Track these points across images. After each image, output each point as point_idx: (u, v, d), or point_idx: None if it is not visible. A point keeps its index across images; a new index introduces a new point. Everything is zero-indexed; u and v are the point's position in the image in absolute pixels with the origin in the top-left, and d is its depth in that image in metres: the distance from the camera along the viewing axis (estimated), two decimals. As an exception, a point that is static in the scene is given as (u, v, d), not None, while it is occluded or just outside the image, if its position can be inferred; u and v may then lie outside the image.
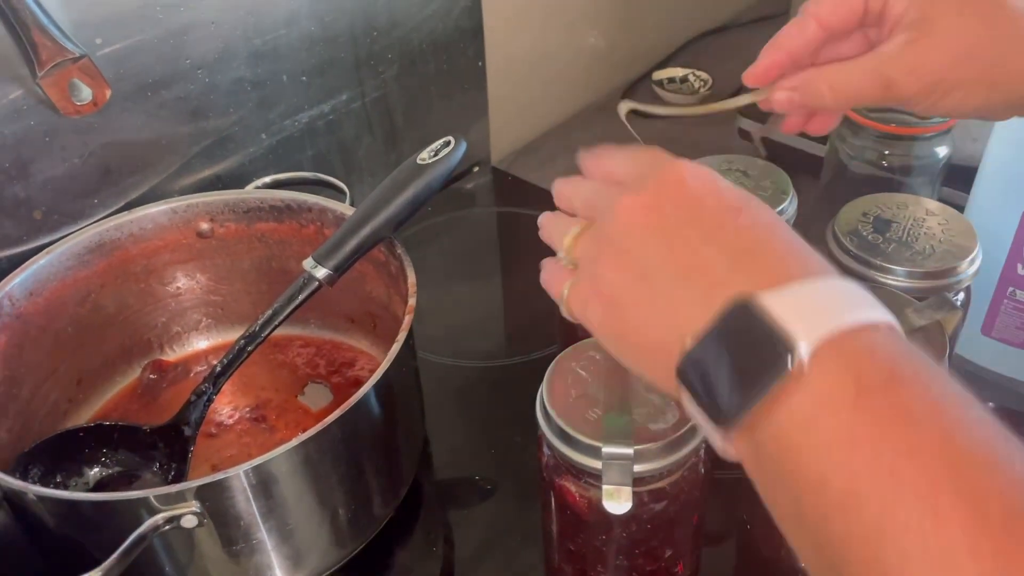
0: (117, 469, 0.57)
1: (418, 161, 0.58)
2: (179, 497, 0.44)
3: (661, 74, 1.06)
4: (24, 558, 0.53)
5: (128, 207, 0.63)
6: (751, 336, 0.28)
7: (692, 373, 0.29)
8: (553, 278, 0.37)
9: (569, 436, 0.40)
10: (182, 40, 0.62)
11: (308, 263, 0.56)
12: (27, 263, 0.58)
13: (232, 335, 0.69)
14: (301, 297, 0.56)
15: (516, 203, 0.89)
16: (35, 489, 0.45)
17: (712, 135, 0.90)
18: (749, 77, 0.47)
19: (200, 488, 0.44)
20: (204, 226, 0.65)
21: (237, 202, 0.64)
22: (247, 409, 0.65)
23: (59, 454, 0.56)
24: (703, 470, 0.43)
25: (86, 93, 0.56)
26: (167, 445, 0.57)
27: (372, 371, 0.68)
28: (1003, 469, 0.24)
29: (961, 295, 0.56)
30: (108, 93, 0.57)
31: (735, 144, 0.92)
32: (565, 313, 0.37)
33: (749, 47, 1.16)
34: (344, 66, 0.74)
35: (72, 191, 0.60)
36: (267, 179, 0.66)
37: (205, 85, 0.65)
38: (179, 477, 0.56)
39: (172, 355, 0.69)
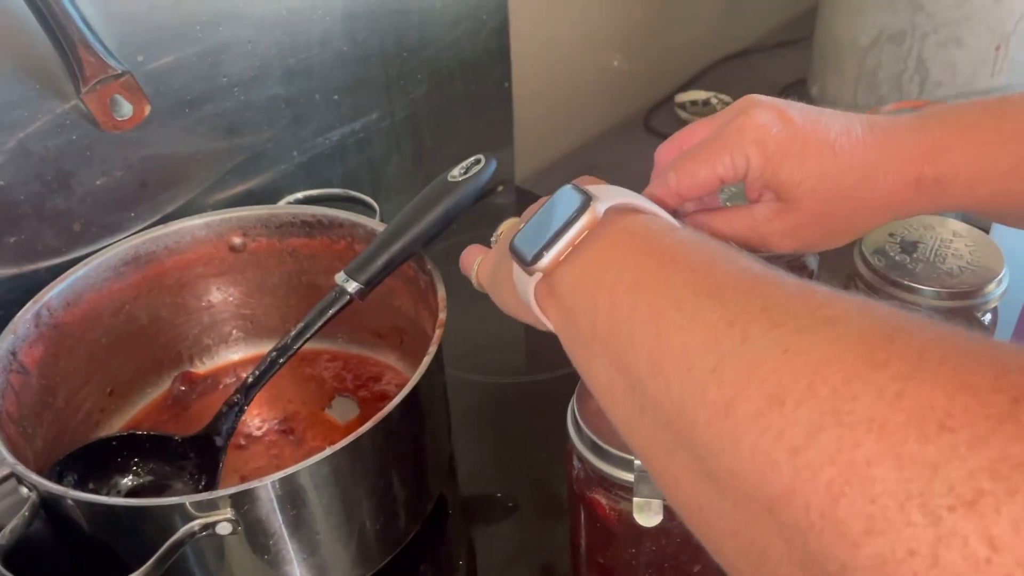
0: (148, 478, 0.58)
1: (449, 178, 0.59)
2: (214, 504, 0.44)
3: (684, 97, 1.07)
4: (57, 563, 0.53)
5: (163, 221, 0.64)
6: (563, 201, 0.34)
7: (518, 242, 0.35)
8: (467, 258, 0.48)
9: (601, 449, 0.41)
10: (219, 58, 0.63)
11: (340, 277, 0.57)
12: (65, 274, 0.59)
13: (262, 348, 0.70)
14: (333, 311, 0.57)
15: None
16: (74, 494, 0.45)
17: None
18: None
19: (235, 496, 0.45)
20: (237, 240, 0.66)
21: (269, 217, 0.65)
22: (275, 421, 0.65)
23: (92, 463, 0.56)
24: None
25: (127, 109, 0.58)
26: (198, 455, 0.58)
27: (399, 386, 0.69)
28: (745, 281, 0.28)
29: (988, 315, 0.56)
30: (148, 109, 0.58)
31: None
32: (475, 283, 0.46)
33: (771, 71, 1.17)
34: (374, 85, 0.75)
35: (110, 204, 0.61)
36: (299, 195, 0.68)
37: (240, 102, 0.66)
38: (210, 487, 0.57)
39: (202, 367, 0.70)
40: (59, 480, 0.54)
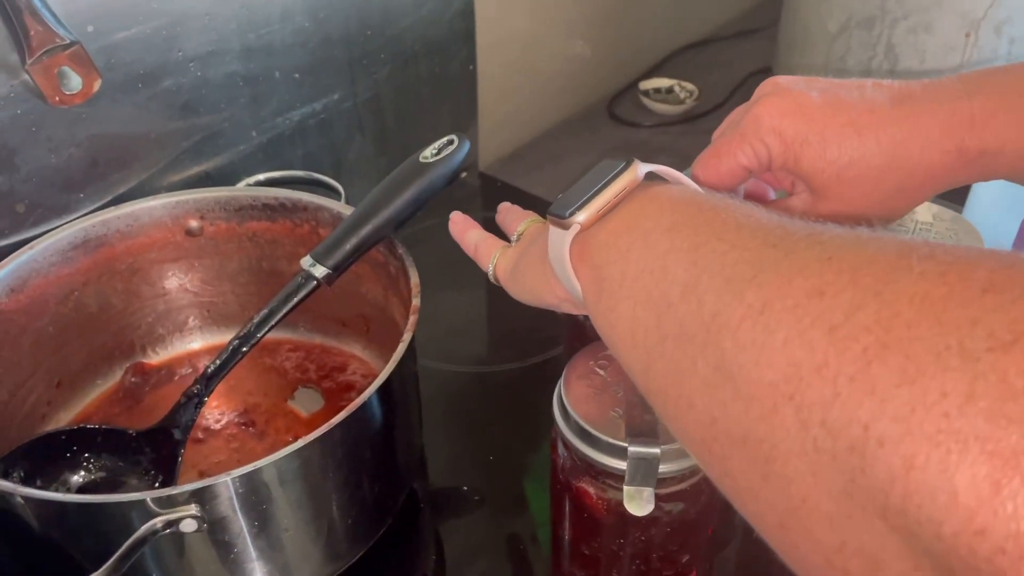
0: (100, 474, 0.55)
1: (420, 159, 0.57)
2: (177, 500, 0.42)
3: (647, 84, 1.06)
4: (2, 566, 0.50)
5: (115, 203, 0.61)
6: (603, 167, 0.35)
7: (556, 206, 0.35)
8: (483, 251, 0.47)
9: (590, 435, 0.39)
10: (175, 31, 0.60)
11: (306, 261, 0.54)
12: (9, 258, 0.55)
13: (219, 338, 0.67)
14: (298, 297, 0.54)
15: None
16: (23, 491, 0.42)
17: (701, 144, 0.90)
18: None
19: (200, 491, 0.42)
20: (193, 224, 0.63)
21: (228, 199, 0.62)
22: (235, 414, 0.62)
23: (39, 458, 0.53)
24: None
25: (76, 82, 0.54)
26: (154, 450, 0.55)
27: (365, 376, 0.67)
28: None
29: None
30: (98, 83, 0.55)
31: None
32: (492, 277, 0.45)
33: (735, 59, 1.16)
34: (337, 65, 0.72)
35: (57, 184, 0.58)
36: (260, 176, 0.65)
37: (197, 79, 0.63)
38: (167, 483, 0.54)
39: (155, 358, 0.66)
40: (4, 477, 0.50)
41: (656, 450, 0.37)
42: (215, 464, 0.59)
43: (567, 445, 0.41)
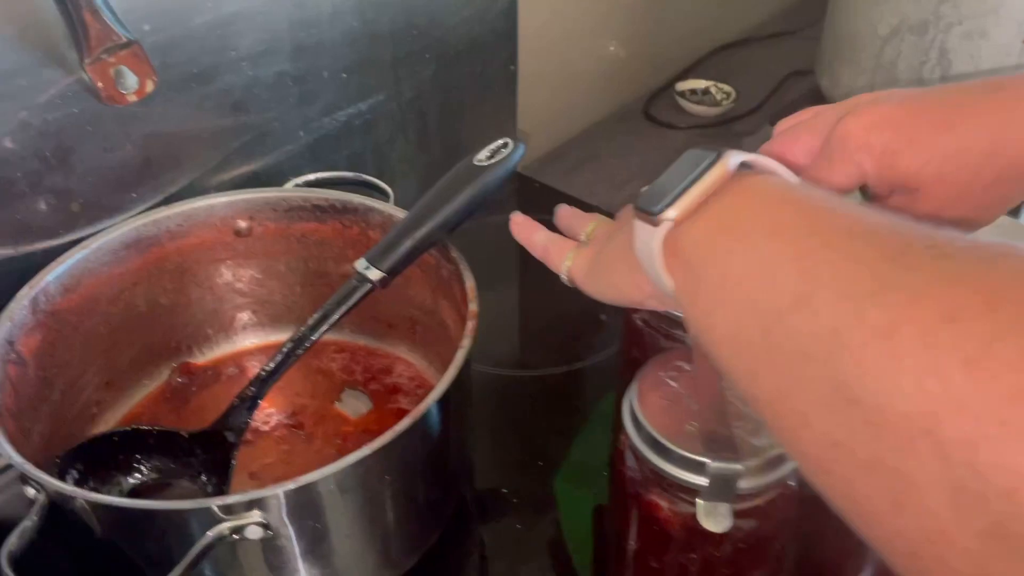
0: (153, 476, 0.55)
1: (475, 162, 0.56)
2: (244, 507, 0.41)
3: (684, 85, 1.05)
4: (60, 568, 0.50)
5: (165, 203, 0.60)
6: (691, 159, 0.33)
7: (644, 201, 0.34)
8: (554, 253, 0.46)
9: (666, 449, 0.39)
10: (229, 30, 0.59)
11: (360, 264, 0.54)
12: (63, 257, 0.55)
13: (265, 338, 0.67)
14: (353, 300, 0.54)
15: (541, 210, 0.87)
16: (89, 496, 0.42)
17: (736, 148, 0.90)
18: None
19: (266, 499, 0.42)
20: (242, 224, 0.62)
21: (278, 200, 0.62)
22: (283, 415, 0.62)
23: (93, 460, 0.53)
24: (797, 489, 0.41)
25: (132, 81, 0.54)
26: (206, 452, 0.55)
27: (411, 378, 0.66)
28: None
29: None
30: (154, 83, 0.54)
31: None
32: (566, 279, 0.45)
33: (768, 62, 1.15)
34: (382, 65, 0.72)
35: (111, 183, 0.57)
36: (311, 177, 0.64)
37: (248, 78, 0.62)
38: (221, 487, 0.53)
39: (201, 358, 0.66)
40: (60, 479, 0.50)
41: (738, 467, 0.37)
42: (265, 466, 0.58)
43: (638, 457, 0.41)
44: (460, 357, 0.49)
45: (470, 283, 0.55)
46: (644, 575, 0.45)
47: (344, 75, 0.69)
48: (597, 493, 0.59)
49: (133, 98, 0.54)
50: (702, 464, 0.38)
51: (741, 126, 1.01)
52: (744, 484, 0.38)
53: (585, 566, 0.56)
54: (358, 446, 0.59)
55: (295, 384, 0.64)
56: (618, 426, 0.43)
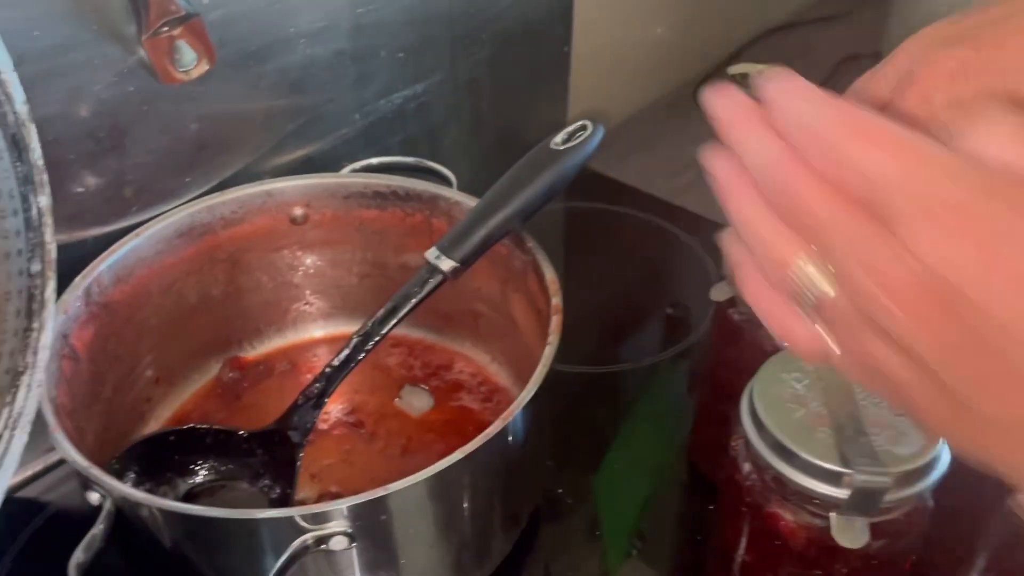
0: (210, 477, 0.52)
1: (551, 146, 0.53)
2: (329, 516, 0.38)
3: (736, 69, 1.01)
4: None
5: (219, 188, 0.57)
6: None
7: None
8: (794, 324, 0.25)
9: (796, 456, 0.35)
10: (289, 5, 0.56)
11: (431, 254, 0.51)
12: (116, 245, 0.52)
13: (319, 332, 0.64)
14: (424, 291, 0.50)
15: (590, 197, 0.84)
16: (161, 503, 0.39)
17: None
18: None
19: (353, 507, 0.38)
20: (298, 211, 0.59)
21: (337, 186, 0.59)
22: (342, 413, 0.59)
23: (148, 461, 0.50)
24: (931, 503, 0.38)
25: (189, 58, 0.50)
26: (267, 452, 0.51)
27: (473, 375, 0.63)
28: None
29: None
30: (212, 60, 0.51)
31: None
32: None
33: (819, 45, 1.11)
34: (439, 45, 0.68)
35: (165, 167, 0.54)
36: (373, 161, 0.61)
37: (305, 57, 0.59)
38: (286, 490, 0.50)
39: (252, 352, 0.63)
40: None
41: (887, 479, 0.33)
42: (326, 467, 0.55)
43: (758, 464, 0.37)
44: (548, 355, 0.46)
45: (551, 275, 0.51)
46: (756, 590, 0.41)
47: (401, 55, 0.66)
48: (636, 494, 0.57)
49: (192, 75, 0.51)
50: (839, 475, 0.34)
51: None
52: (890, 497, 0.34)
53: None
54: (423, 445, 0.57)
55: (352, 380, 0.60)
56: (725, 430, 0.40)
